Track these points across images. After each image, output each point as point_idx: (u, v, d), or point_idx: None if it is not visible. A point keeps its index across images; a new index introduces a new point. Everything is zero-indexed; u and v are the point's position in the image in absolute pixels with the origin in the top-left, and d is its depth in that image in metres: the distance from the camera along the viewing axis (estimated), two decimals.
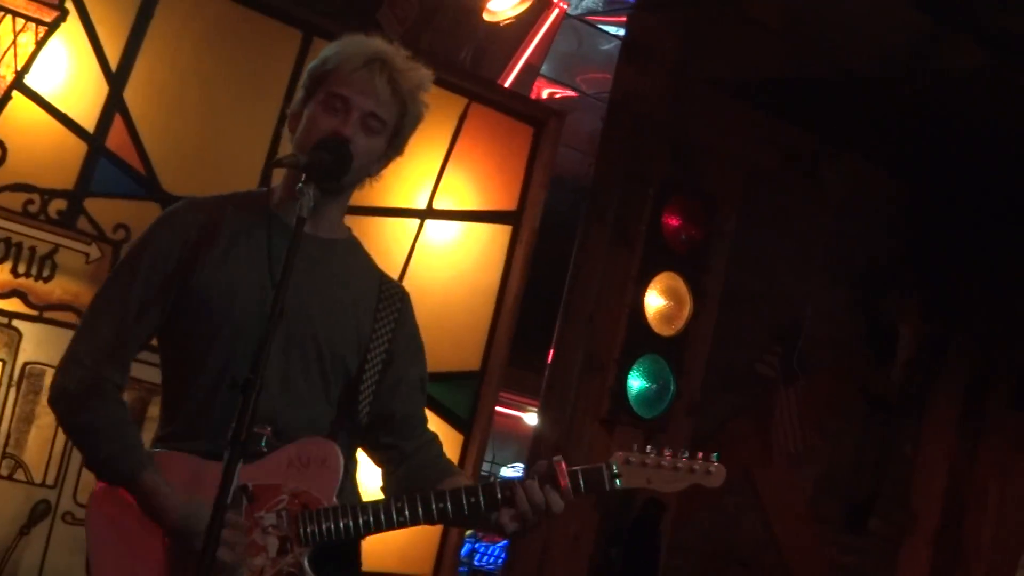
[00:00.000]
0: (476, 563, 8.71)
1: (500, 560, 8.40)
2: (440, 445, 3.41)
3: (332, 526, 3.05)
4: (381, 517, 3.06)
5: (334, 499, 3.08)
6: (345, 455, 3.16)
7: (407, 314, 3.36)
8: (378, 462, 3.37)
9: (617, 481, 3.10)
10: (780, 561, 7.15)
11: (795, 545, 7.21)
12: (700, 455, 3.18)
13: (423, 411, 3.42)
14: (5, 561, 4.89)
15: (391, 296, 3.33)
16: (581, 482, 3.08)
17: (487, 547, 8.76)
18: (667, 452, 3.14)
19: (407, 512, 3.07)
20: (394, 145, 3.28)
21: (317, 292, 3.19)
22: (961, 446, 7.79)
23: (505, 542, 7.55)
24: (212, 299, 3.15)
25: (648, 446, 3.14)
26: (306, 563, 3.03)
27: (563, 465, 3.09)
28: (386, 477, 3.35)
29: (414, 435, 3.36)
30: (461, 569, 8.02)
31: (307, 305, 3.17)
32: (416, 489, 3.14)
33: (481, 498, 3.08)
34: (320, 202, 3.05)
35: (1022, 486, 7.77)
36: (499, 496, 3.07)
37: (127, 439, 3.15)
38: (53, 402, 3.20)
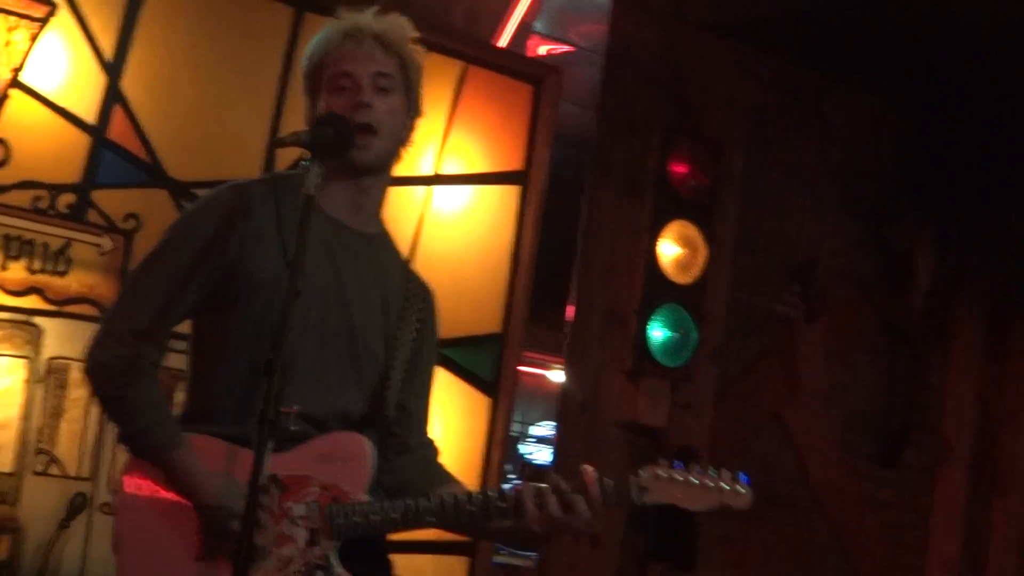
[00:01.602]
0: None
1: None
2: (437, 451, 3.46)
3: (361, 520, 3.05)
4: (410, 516, 3.05)
5: (364, 495, 3.08)
6: (376, 449, 3.17)
7: (430, 312, 3.42)
8: (384, 453, 3.30)
9: (644, 494, 3.04)
10: (816, 500, 7.16)
11: (829, 483, 7.21)
12: (728, 475, 3.08)
13: (427, 411, 3.47)
14: (48, 555, 4.92)
15: (417, 294, 3.37)
16: (613, 491, 3.03)
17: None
18: (695, 468, 3.06)
19: (434, 513, 3.06)
20: (411, 101, 3.31)
21: (356, 286, 3.23)
22: (988, 370, 7.78)
23: None
24: (241, 283, 3.16)
25: (676, 462, 3.08)
26: (333, 556, 3.04)
27: (591, 473, 3.05)
28: (384, 464, 3.26)
29: (420, 431, 3.42)
30: None
31: (347, 297, 3.21)
32: (432, 488, 3.19)
33: (512, 502, 3.05)
34: (363, 187, 3.24)
35: None
36: (530, 503, 3.02)
37: (161, 415, 3.14)
38: (89, 373, 3.17)
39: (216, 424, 3.14)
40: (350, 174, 3.21)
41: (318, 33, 3.30)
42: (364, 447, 3.11)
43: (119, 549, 3.12)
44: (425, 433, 3.44)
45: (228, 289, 3.15)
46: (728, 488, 3.05)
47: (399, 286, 3.33)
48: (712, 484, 3.05)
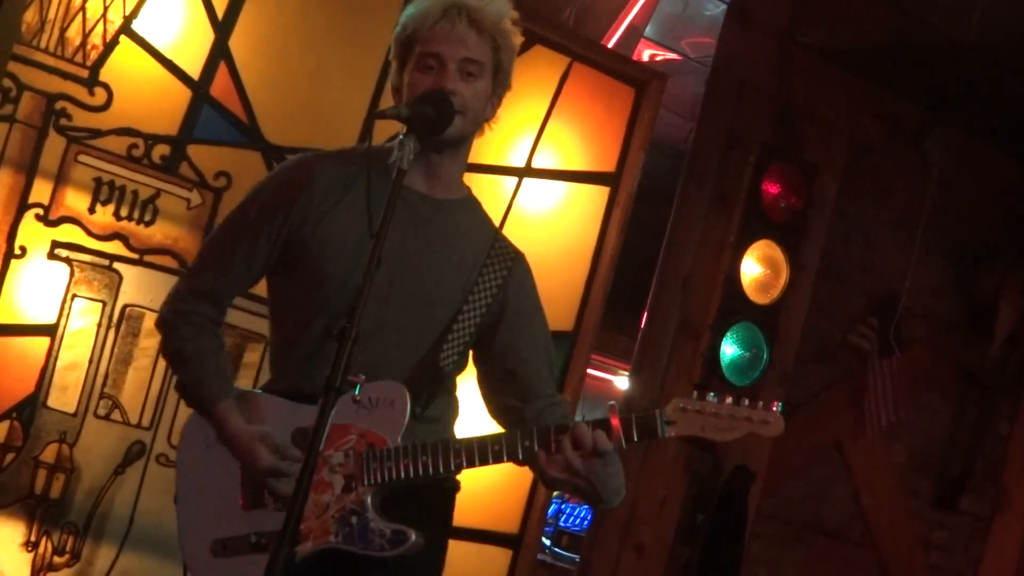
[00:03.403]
0: (562, 524, 8.73)
1: (586, 522, 8.42)
2: (564, 408, 3.35)
3: (393, 466, 3.08)
4: (439, 460, 3.07)
5: (399, 440, 3.10)
6: (420, 398, 3.18)
7: (518, 274, 3.37)
8: (503, 425, 3.36)
9: (667, 427, 2.97)
10: (868, 534, 7.11)
11: (884, 519, 7.16)
12: (760, 404, 2.99)
13: (547, 374, 3.38)
14: (100, 499, 4.98)
15: (501, 255, 3.35)
16: (633, 427, 2.99)
17: (573, 508, 8.78)
18: (727, 399, 2.98)
19: (464, 454, 3.07)
20: (499, 81, 3.31)
21: (422, 249, 3.25)
22: None
23: None
24: (317, 251, 3.25)
25: (710, 394, 2.98)
26: (369, 501, 3.08)
27: (615, 411, 3.02)
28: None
29: (536, 398, 3.32)
30: (547, 529, 8.05)
31: (412, 261, 3.23)
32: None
33: (535, 441, 3.05)
34: (436, 161, 3.26)
35: None
36: (552, 439, 3.02)
37: (209, 367, 3.29)
38: (157, 325, 3.37)
39: (285, 382, 3.28)
40: (429, 147, 3.21)
41: (417, 2, 3.29)
42: (401, 394, 3.12)
43: (178, 500, 3.33)
44: (545, 398, 3.33)
45: (297, 256, 3.25)
46: (757, 416, 2.95)
47: (481, 247, 3.33)
48: (740, 413, 2.96)
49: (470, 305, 3.26)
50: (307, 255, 3.25)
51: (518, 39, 3.33)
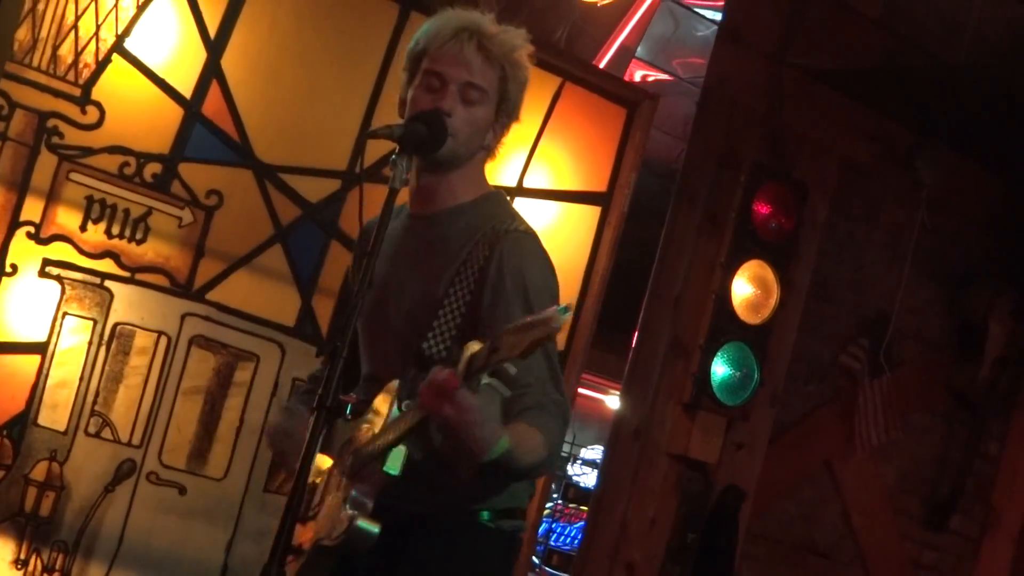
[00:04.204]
0: (552, 543, 8.73)
1: (576, 541, 8.42)
2: (529, 406, 3.05)
3: (360, 454, 3.05)
4: (381, 438, 3.00)
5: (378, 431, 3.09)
6: (405, 389, 3.12)
7: (499, 252, 3.16)
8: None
9: (493, 355, 2.70)
10: (858, 555, 7.11)
11: (874, 539, 7.16)
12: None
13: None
14: (90, 517, 4.97)
15: (490, 238, 3.18)
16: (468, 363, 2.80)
17: (564, 527, 8.79)
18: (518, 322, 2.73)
19: (392, 431, 2.98)
20: (503, 111, 3.28)
21: (412, 264, 3.25)
22: None
23: (582, 523, 7.53)
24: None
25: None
26: (353, 495, 3.02)
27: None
28: None
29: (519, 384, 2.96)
30: (537, 548, 8.05)
31: (403, 278, 3.25)
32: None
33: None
34: (432, 179, 3.24)
35: None
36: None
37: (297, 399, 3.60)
38: None
39: None
40: (423, 167, 3.21)
41: (435, 17, 3.26)
42: (392, 390, 3.11)
43: None
44: (527, 385, 3.03)
45: None
46: (537, 317, 2.64)
47: (469, 241, 3.21)
48: (528, 320, 2.66)
49: (451, 296, 3.17)
50: None
51: (528, 72, 3.30)
